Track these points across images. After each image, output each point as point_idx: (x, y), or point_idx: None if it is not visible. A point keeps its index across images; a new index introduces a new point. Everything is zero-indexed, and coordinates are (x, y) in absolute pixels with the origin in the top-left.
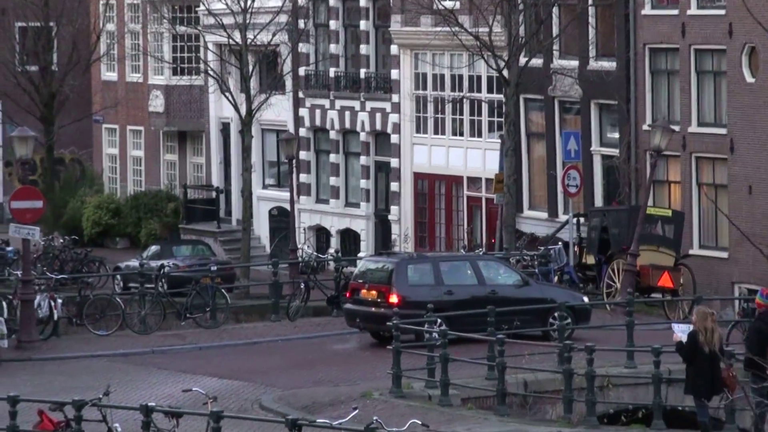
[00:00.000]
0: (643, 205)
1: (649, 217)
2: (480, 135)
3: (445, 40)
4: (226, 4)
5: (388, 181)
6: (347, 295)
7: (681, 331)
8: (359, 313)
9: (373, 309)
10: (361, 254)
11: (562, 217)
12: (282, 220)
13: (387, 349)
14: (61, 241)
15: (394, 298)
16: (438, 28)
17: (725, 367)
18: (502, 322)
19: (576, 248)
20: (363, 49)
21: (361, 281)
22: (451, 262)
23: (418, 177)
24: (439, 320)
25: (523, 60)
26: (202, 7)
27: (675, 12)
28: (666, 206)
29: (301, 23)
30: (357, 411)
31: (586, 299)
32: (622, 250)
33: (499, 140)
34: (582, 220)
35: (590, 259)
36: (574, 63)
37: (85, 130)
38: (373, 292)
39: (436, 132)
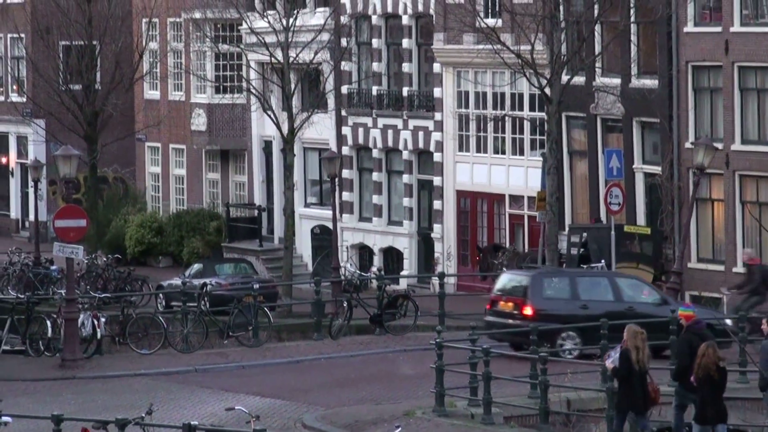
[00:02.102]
0: (685, 224)
1: (628, 235)
2: (522, 153)
3: (487, 58)
4: (269, 23)
5: (431, 199)
6: (487, 307)
7: (612, 359)
8: (497, 325)
9: (510, 321)
10: (403, 272)
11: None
12: (324, 239)
13: (430, 367)
14: (105, 259)
15: (528, 311)
16: (480, 46)
17: (649, 381)
18: None
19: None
20: (405, 67)
21: (500, 293)
22: (589, 278)
23: (460, 195)
24: (572, 333)
25: (565, 78)
26: (244, 26)
27: (718, 29)
28: (708, 224)
29: (344, 41)
30: (400, 429)
31: (729, 322)
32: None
33: (542, 158)
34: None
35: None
36: (617, 81)
37: (128, 149)
38: (510, 304)
39: (478, 150)
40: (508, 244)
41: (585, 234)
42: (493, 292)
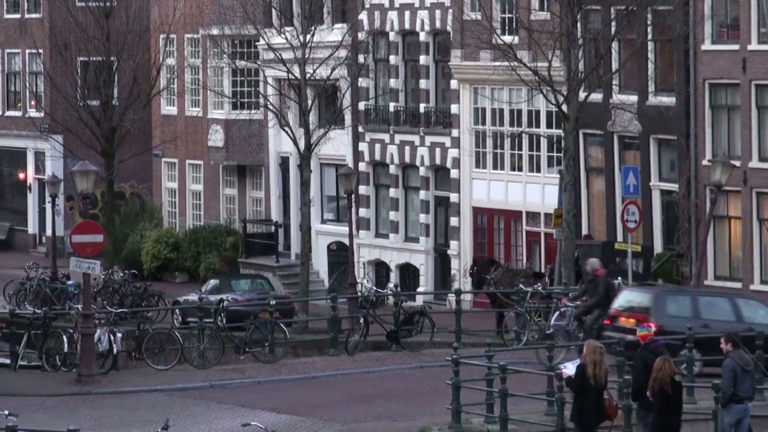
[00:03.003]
0: (702, 241)
1: (619, 252)
2: (539, 170)
3: (504, 74)
4: (286, 39)
5: (448, 215)
6: (607, 322)
7: (570, 367)
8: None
9: (630, 336)
10: (420, 289)
11: None
12: (341, 255)
13: (446, 383)
14: (121, 275)
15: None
16: (497, 63)
17: (608, 398)
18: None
19: (547, 279)
20: (423, 83)
21: (621, 309)
22: (710, 297)
23: (477, 212)
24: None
25: (582, 95)
26: (261, 42)
27: (735, 47)
28: (725, 242)
29: (361, 58)
30: None
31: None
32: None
33: (558, 175)
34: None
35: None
36: (634, 98)
37: (145, 164)
38: (632, 320)
39: (495, 167)
40: (525, 261)
41: (577, 251)
42: (613, 308)
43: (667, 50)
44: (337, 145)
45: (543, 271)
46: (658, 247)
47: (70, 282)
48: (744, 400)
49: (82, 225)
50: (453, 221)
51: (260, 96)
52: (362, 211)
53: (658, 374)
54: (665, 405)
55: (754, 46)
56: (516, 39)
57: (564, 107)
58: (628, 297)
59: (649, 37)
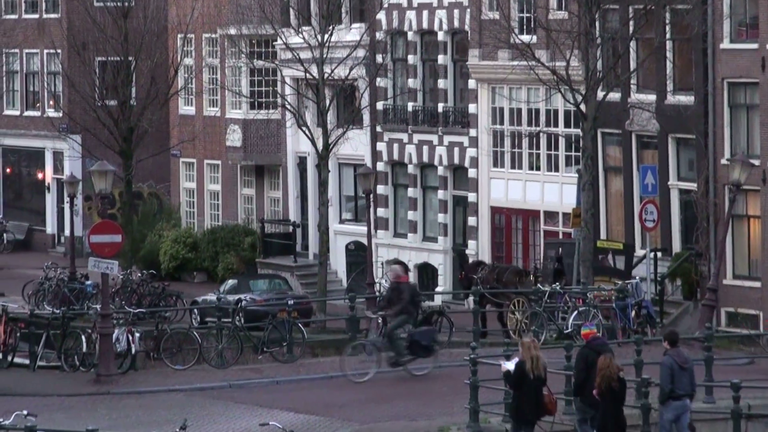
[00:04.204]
0: (721, 241)
1: (601, 250)
2: (557, 169)
3: (522, 74)
4: (304, 39)
5: (466, 215)
6: None
7: (509, 364)
8: None
9: None
10: (438, 289)
11: (639, 252)
12: (359, 255)
13: (464, 383)
14: (139, 275)
15: None
16: (515, 63)
17: (547, 393)
18: None
19: (532, 278)
20: (441, 83)
21: None
22: None
23: (495, 211)
24: None
25: (600, 94)
26: (279, 42)
27: (754, 46)
28: (744, 241)
29: (379, 57)
30: None
31: None
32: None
33: (577, 174)
34: (659, 254)
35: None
36: (652, 97)
37: (163, 164)
38: None
39: (513, 166)
40: (542, 261)
41: (560, 249)
42: None
43: (685, 49)
44: (355, 144)
45: (528, 268)
46: (676, 246)
47: (88, 282)
48: (682, 396)
49: (101, 225)
50: (471, 221)
51: (278, 96)
52: (380, 211)
53: (605, 372)
54: (612, 401)
55: None
56: (534, 38)
57: (582, 106)
58: None
59: (668, 36)
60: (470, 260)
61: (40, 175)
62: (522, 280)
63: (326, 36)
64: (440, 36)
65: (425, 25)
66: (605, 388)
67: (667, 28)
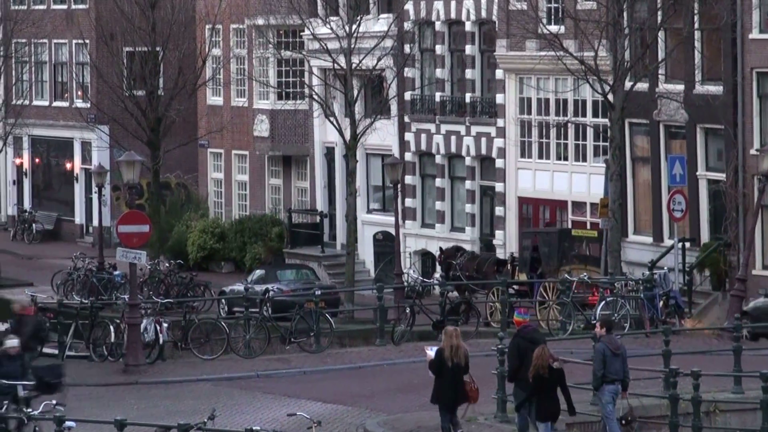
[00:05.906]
0: (750, 231)
1: (577, 238)
2: (585, 159)
3: (550, 64)
4: (332, 29)
5: (493, 205)
6: None
7: (432, 350)
8: None
9: None
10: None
11: (668, 242)
12: (387, 245)
13: (492, 373)
14: (167, 265)
15: None
16: (543, 53)
17: (468, 380)
18: None
19: (509, 267)
20: (468, 73)
21: None
22: None
23: (522, 201)
24: None
25: (628, 84)
26: (307, 32)
27: None
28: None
29: (407, 48)
30: None
31: None
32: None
33: (604, 165)
34: (687, 244)
35: (522, 277)
36: (680, 87)
37: (190, 155)
38: None
39: (540, 156)
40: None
41: (536, 237)
42: None
43: (714, 39)
44: (382, 135)
45: (506, 257)
46: (705, 236)
47: (116, 272)
48: (615, 381)
49: (128, 215)
50: (498, 211)
51: (305, 86)
52: (408, 201)
53: (536, 361)
54: (540, 389)
55: None
56: (562, 28)
57: (610, 96)
58: None
59: (696, 25)
60: (452, 246)
61: (68, 166)
62: (501, 269)
63: (354, 26)
64: (468, 26)
65: (453, 15)
66: (535, 375)
67: (696, 17)
